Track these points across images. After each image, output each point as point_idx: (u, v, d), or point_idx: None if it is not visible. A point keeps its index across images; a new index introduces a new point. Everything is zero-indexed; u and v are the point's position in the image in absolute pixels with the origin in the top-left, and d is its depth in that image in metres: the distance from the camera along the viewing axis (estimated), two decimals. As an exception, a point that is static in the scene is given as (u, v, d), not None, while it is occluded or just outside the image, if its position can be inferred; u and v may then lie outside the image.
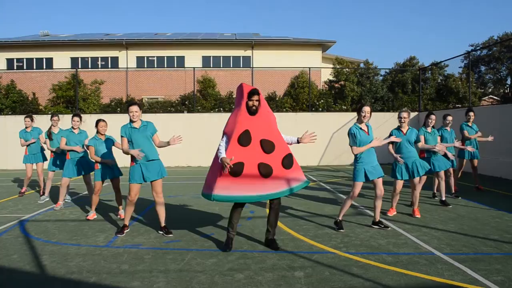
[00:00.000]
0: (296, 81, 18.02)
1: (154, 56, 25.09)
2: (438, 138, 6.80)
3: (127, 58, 24.59)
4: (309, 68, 16.69)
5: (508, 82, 34.97)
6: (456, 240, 4.72)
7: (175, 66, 24.45)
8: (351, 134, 5.14)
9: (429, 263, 3.92)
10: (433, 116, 6.70)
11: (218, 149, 4.34)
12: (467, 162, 8.21)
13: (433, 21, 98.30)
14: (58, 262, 4.04)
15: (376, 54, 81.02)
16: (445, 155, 6.86)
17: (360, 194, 7.34)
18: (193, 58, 24.34)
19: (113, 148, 6.15)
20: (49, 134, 7.65)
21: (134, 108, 4.98)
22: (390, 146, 5.84)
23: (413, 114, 14.33)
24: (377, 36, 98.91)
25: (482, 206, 6.76)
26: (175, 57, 24.96)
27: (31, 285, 3.51)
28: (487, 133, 7.95)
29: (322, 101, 16.61)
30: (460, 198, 7.41)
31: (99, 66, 24.72)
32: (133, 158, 4.98)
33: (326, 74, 21.75)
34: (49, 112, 11.93)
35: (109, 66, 24.51)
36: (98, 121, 6.06)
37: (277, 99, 17.00)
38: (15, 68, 24.37)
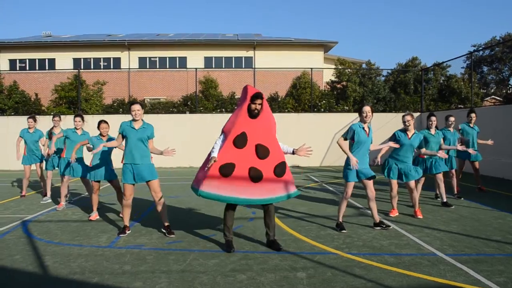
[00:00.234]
0: (298, 82, 18.00)
1: (156, 57, 25.15)
2: (442, 140, 6.80)
3: (129, 59, 24.66)
4: (311, 68, 16.71)
5: (511, 82, 34.91)
6: (459, 241, 4.71)
7: (177, 66, 24.51)
8: (351, 129, 5.14)
9: (431, 264, 3.92)
10: (433, 118, 6.68)
11: (213, 146, 4.39)
12: (468, 164, 8.18)
13: (435, 21, 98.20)
14: (60, 263, 4.05)
15: (378, 54, 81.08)
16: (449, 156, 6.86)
17: (361, 195, 7.33)
18: (195, 58, 24.38)
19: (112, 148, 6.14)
20: (50, 134, 7.70)
21: (137, 107, 5.00)
22: (390, 143, 5.82)
23: (415, 115, 14.31)
24: (379, 37, 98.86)
25: (485, 207, 6.74)
26: (177, 58, 25.01)
27: (34, 285, 3.52)
28: (490, 133, 7.93)
29: (324, 101, 16.59)
30: (462, 199, 7.39)
31: (101, 67, 24.81)
32: (124, 157, 5.02)
33: (328, 74, 21.74)
34: (52, 113, 11.94)
35: (111, 67, 24.60)
36: (100, 123, 6.06)
37: (279, 99, 16.99)
38: (17, 68, 24.47)
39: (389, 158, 6.08)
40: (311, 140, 13.61)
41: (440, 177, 6.73)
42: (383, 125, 13.47)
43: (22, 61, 24.80)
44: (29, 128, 8.04)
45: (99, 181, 6.03)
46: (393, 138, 5.98)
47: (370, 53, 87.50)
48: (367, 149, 5.21)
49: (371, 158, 5.46)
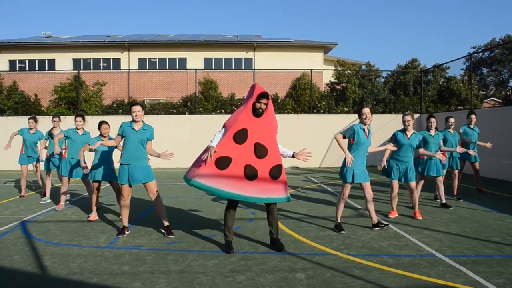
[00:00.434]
0: (297, 83, 18.03)
1: (156, 58, 25.15)
2: (441, 141, 6.80)
3: (129, 60, 24.66)
4: (311, 70, 16.73)
5: (510, 84, 34.93)
6: (458, 242, 4.71)
7: (177, 67, 24.49)
8: (351, 128, 5.16)
9: (430, 265, 3.92)
10: (433, 119, 6.68)
11: (212, 139, 4.39)
12: (468, 165, 8.19)
13: (435, 23, 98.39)
14: (59, 263, 4.04)
15: (377, 56, 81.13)
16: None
17: (360, 197, 7.32)
18: (195, 59, 24.38)
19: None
20: (50, 134, 7.70)
21: (137, 108, 5.00)
22: (388, 145, 5.82)
23: (415, 116, 14.33)
24: (378, 38, 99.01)
25: (484, 208, 6.74)
26: (177, 59, 25.01)
27: (33, 285, 3.52)
28: (489, 135, 7.94)
29: (323, 103, 16.60)
30: (461, 200, 7.39)
31: (101, 68, 24.81)
32: (121, 157, 5.03)
33: (327, 76, 21.75)
34: (51, 114, 11.95)
35: (111, 68, 24.59)
36: (101, 123, 6.06)
37: (278, 101, 17.01)
38: (17, 69, 24.45)
39: (390, 159, 6.10)
40: (310, 141, 13.72)
41: (440, 178, 6.74)
42: (382, 127, 13.49)
43: (21, 61, 24.78)
44: (30, 128, 8.04)
45: (99, 181, 6.03)
46: (393, 138, 6.00)
47: (370, 55, 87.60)
48: (365, 151, 5.23)
49: (376, 162, 5.46)
